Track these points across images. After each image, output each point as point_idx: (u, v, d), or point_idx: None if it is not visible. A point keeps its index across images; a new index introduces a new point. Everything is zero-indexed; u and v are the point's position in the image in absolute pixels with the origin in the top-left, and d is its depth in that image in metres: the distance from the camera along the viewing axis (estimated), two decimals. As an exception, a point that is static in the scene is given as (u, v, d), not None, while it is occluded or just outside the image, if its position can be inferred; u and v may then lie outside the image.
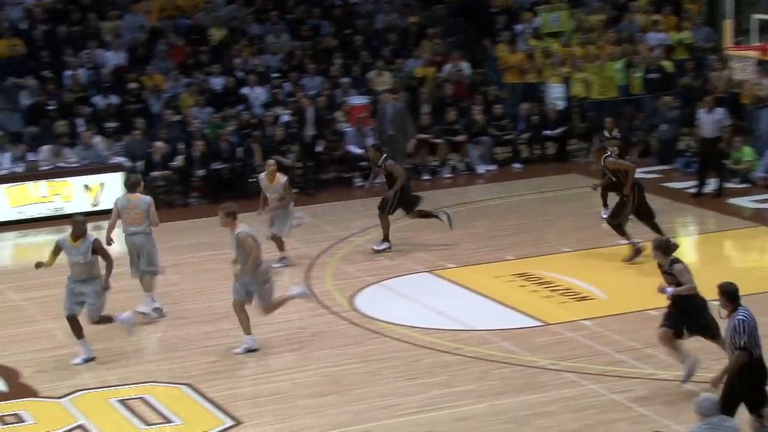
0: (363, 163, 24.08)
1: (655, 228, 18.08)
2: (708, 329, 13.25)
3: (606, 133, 21.84)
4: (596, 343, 15.23)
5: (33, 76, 25.07)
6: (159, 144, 23.60)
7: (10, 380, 14.79)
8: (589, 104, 26.60)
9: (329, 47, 27.52)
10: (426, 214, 19.92)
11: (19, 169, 23.02)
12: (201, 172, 23.78)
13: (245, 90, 25.82)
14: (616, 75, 26.76)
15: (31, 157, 23.37)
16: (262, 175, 18.97)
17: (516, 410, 13.34)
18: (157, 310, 16.80)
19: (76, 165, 23.31)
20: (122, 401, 14.04)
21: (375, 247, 19.58)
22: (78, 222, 14.97)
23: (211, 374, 14.81)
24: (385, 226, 19.57)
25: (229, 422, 13.41)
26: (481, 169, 25.33)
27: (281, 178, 18.72)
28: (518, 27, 28.33)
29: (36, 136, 24.05)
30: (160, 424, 13.46)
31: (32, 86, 24.89)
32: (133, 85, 25.34)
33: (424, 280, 18.32)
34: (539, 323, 16.25)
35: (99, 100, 25.09)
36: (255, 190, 23.78)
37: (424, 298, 17.46)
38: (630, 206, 18.23)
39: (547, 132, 25.88)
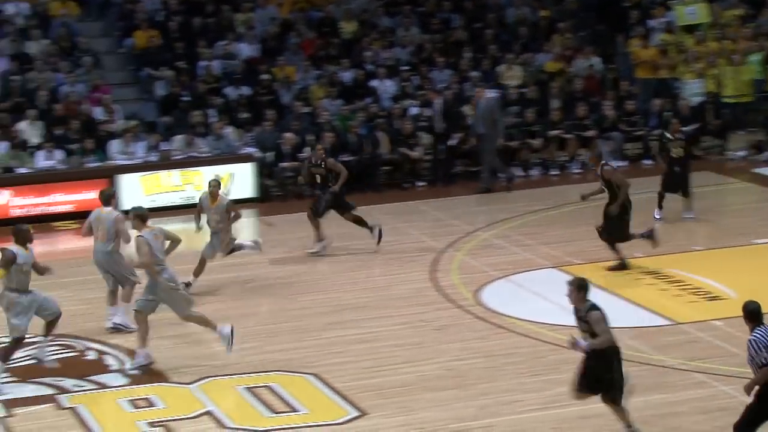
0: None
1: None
2: (609, 389, 11.98)
3: (669, 135, 21.29)
4: (727, 344, 14.96)
5: (168, 67, 25.45)
6: (289, 135, 23.82)
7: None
8: (722, 101, 26.15)
9: (459, 40, 27.48)
10: (359, 221, 19.68)
11: (153, 158, 23.41)
12: (330, 164, 23.89)
13: (374, 83, 25.92)
14: (752, 70, 26.23)
15: (164, 146, 23.77)
16: (203, 195, 17.96)
17: (642, 410, 13.16)
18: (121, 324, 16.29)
19: (207, 155, 23.64)
20: (249, 389, 14.20)
21: (309, 250, 19.53)
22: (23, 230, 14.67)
23: (336, 364, 14.90)
24: (317, 227, 19.50)
25: (354, 413, 13.48)
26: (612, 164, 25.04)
27: (223, 199, 17.79)
28: (651, 22, 27.97)
29: (169, 126, 24.44)
30: (286, 412, 13.59)
31: (167, 77, 25.28)
32: (264, 77, 25.60)
33: (550, 275, 18.19)
34: (668, 322, 16.06)
35: (231, 91, 25.39)
36: (383, 182, 24.06)
37: (550, 294, 17.32)
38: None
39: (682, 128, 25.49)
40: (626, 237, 17.94)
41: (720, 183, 23.40)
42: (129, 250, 15.86)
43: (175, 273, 14.99)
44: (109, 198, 16.37)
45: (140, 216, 15.01)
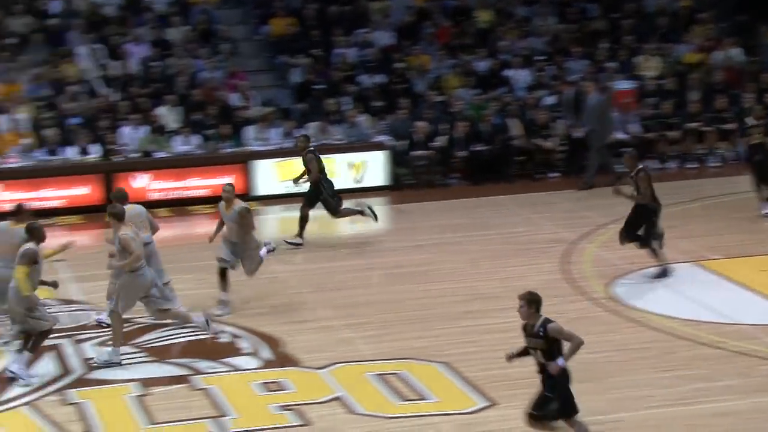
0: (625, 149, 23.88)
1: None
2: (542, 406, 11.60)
3: (752, 120, 20.78)
4: None
5: (303, 55, 25.68)
6: (421, 124, 23.87)
7: (275, 349, 15.24)
8: None
9: (596, 30, 27.26)
10: (350, 212, 19.74)
11: (288, 144, 23.66)
12: (462, 153, 23.94)
13: (509, 72, 25.84)
14: None
15: (299, 133, 23.98)
16: (220, 202, 16.86)
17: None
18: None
19: (341, 142, 23.81)
20: (379, 376, 14.28)
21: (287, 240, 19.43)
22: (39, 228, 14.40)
23: (467, 354, 14.91)
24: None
25: (484, 403, 13.48)
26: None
27: (237, 206, 16.51)
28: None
29: (304, 113, 24.67)
30: (415, 400, 13.64)
31: (303, 64, 25.52)
32: (399, 65, 25.69)
33: (687, 270, 17.97)
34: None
35: (365, 80, 25.53)
36: (515, 173, 23.99)
37: (686, 289, 17.14)
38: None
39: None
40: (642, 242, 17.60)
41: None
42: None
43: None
44: (17, 212, 15.67)
45: (116, 215, 14.74)
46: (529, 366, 14.47)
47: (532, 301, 11.57)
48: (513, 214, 20.48)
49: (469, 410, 13.37)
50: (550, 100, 25.22)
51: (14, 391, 13.90)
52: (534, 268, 18.06)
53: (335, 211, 19.51)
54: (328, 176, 19.91)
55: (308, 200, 19.59)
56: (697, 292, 16.99)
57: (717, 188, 22.69)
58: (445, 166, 24.11)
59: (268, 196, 23.02)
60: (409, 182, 23.83)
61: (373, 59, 26.02)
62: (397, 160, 23.70)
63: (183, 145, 23.55)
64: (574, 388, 13.74)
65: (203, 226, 21.44)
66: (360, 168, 23.29)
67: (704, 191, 22.44)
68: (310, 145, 20.01)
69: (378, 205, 22.10)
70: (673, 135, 24.71)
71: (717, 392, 13.50)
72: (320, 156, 19.94)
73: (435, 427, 12.98)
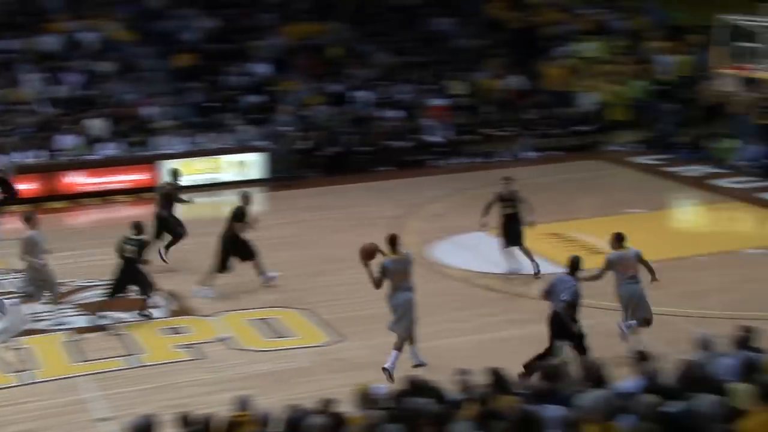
0: (439, 149, 24.01)
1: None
2: None
3: None
4: (609, 286, 14.92)
5: (201, 81, 25.17)
6: (290, 131, 23.52)
7: (179, 302, 14.97)
8: (611, 108, 26.11)
9: (419, 62, 27.24)
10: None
11: (188, 148, 23.12)
12: (321, 153, 23.71)
13: (355, 93, 25.60)
14: (635, 90, 26.19)
15: (198, 140, 23.54)
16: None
17: (543, 335, 13.11)
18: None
19: (231, 146, 23.35)
20: (255, 320, 14.14)
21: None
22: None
23: (322, 302, 14.84)
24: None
25: (336, 338, 13.43)
26: (531, 155, 24.98)
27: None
28: (559, 50, 27.80)
29: (202, 125, 24.15)
30: (281, 337, 13.53)
31: (200, 88, 25.03)
32: (274, 88, 25.27)
33: (480, 236, 17.98)
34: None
35: (249, 99, 25.07)
36: (361, 168, 23.75)
37: (481, 250, 17.27)
38: None
39: (579, 128, 25.43)
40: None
41: (605, 169, 23.36)
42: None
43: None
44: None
45: (27, 218, 13.82)
46: (373, 308, 14.50)
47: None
48: (356, 198, 20.33)
49: (323, 343, 13.31)
50: (385, 114, 25.08)
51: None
52: (368, 238, 17.85)
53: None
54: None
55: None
56: (489, 253, 17.14)
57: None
58: (309, 163, 23.86)
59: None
60: (282, 176, 23.49)
61: (253, 84, 25.64)
62: (273, 159, 23.38)
63: (108, 149, 22.92)
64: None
65: (124, 212, 20.94)
66: (245, 166, 22.96)
67: (495, 179, 22.11)
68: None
69: (258, 193, 21.91)
70: (473, 137, 24.84)
71: (501, 325, 13.69)
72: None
73: (294, 357, 12.90)
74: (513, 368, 10.35)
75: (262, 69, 26.19)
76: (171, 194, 16.52)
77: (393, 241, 12.32)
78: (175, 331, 13.81)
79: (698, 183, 21.71)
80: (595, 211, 19.22)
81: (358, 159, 23.67)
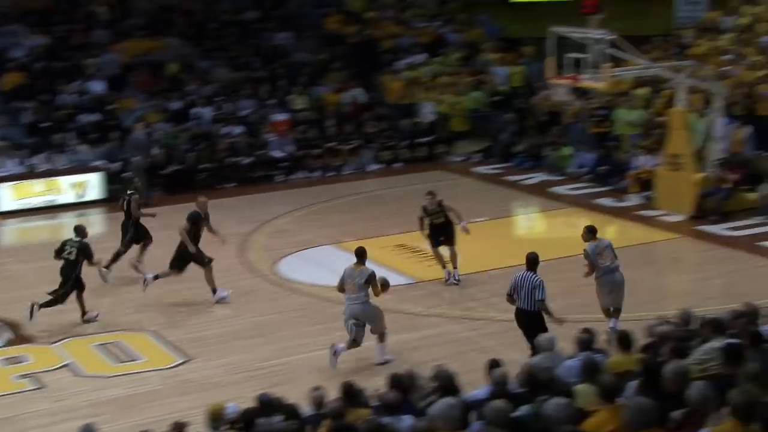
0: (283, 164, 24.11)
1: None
2: None
3: None
4: (455, 295, 15.28)
5: (32, 101, 24.36)
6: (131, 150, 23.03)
7: (15, 330, 14.44)
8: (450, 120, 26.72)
9: (259, 77, 27.16)
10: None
11: (20, 170, 22.38)
12: (163, 171, 23.28)
13: (195, 110, 25.28)
14: (473, 101, 26.82)
15: (30, 161, 22.78)
16: None
17: (395, 345, 13.35)
18: None
19: (66, 167, 22.71)
20: (100, 345, 13.79)
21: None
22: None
23: (170, 323, 14.60)
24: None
25: (183, 359, 13.24)
26: (372, 167, 25.23)
27: None
28: (398, 63, 28.16)
29: (35, 146, 23.31)
30: (129, 361, 13.25)
31: (32, 107, 24.22)
32: (110, 107, 24.69)
33: (329, 250, 18.19)
34: (413, 280, 16.25)
35: (84, 118, 24.45)
36: (204, 185, 23.53)
37: (329, 264, 17.32)
38: None
39: (420, 139, 25.89)
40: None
41: (448, 179, 23.84)
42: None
43: None
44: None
45: None
46: (218, 328, 14.38)
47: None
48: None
49: (172, 365, 13.10)
50: (226, 130, 24.89)
51: None
52: (214, 255, 17.77)
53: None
54: None
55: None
56: (336, 266, 17.20)
57: (349, 189, 23.13)
58: (150, 181, 23.37)
59: (4, 212, 21.63)
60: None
61: (89, 102, 25.01)
62: (111, 179, 22.82)
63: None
64: (249, 343, 13.71)
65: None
66: (82, 186, 22.34)
67: (340, 192, 22.83)
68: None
69: (97, 215, 21.41)
70: (317, 152, 24.91)
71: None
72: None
73: (145, 380, 12.65)
74: (367, 381, 10.43)
75: (97, 87, 25.58)
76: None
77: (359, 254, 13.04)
78: (15, 360, 13.31)
79: (537, 191, 22.42)
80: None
81: (201, 176, 23.39)
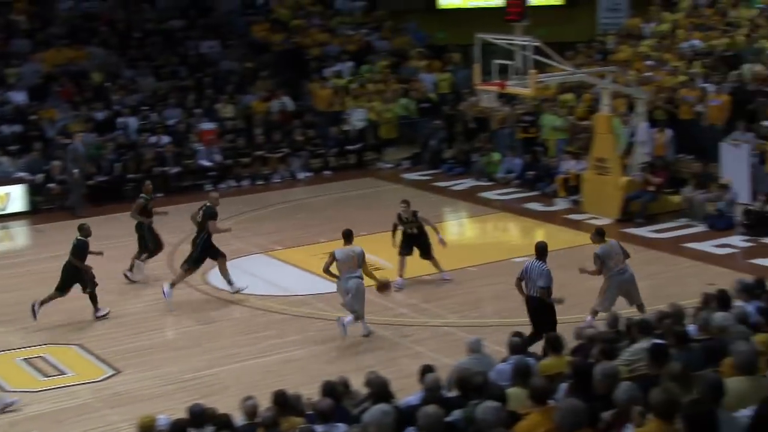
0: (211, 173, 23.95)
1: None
2: None
3: None
4: (386, 301, 15.29)
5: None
6: (55, 162, 22.65)
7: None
8: (379, 127, 26.82)
9: (185, 86, 26.92)
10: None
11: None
12: (90, 183, 22.94)
13: (121, 119, 24.94)
14: (401, 108, 26.98)
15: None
16: None
17: (329, 352, 13.34)
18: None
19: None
20: (26, 359, 13.52)
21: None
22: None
23: (98, 336, 14.38)
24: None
25: (112, 372, 13.05)
26: (301, 175, 25.17)
27: None
28: (326, 71, 28.13)
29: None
30: (56, 375, 13.01)
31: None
32: (33, 117, 24.24)
33: (259, 259, 18.14)
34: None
35: (5, 129, 24.00)
36: (132, 196, 23.26)
37: (260, 273, 17.29)
38: None
39: (350, 146, 25.90)
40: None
41: (378, 186, 23.90)
42: None
43: None
44: None
45: None
46: (146, 340, 14.21)
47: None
48: (128, 228, 19.69)
49: (101, 378, 12.91)
50: (153, 139, 24.61)
51: None
52: (146, 266, 17.60)
53: None
54: None
55: None
56: (267, 275, 17.18)
57: (279, 198, 23.05)
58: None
59: None
60: (46, 207, 22.59)
61: (10, 113, 24.53)
62: (34, 190, 22.43)
63: None
64: (179, 354, 13.56)
65: None
66: (4, 199, 21.92)
67: (270, 201, 22.74)
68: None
69: (20, 228, 21.03)
70: (245, 161, 24.78)
71: (285, 345, 13.72)
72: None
73: (74, 394, 12.44)
74: (301, 388, 10.39)
75: (18, 97, 25.12)
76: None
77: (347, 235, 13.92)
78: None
79: (467, 196, 22.57)
80: (372, 227, 19.51)
81: (128, 187, 23.09)
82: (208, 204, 16.04)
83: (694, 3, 26.01)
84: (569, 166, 21.53)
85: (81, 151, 22.35)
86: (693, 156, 21.16)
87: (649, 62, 23.37)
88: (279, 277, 16.92)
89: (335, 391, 9.36)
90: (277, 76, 28.41)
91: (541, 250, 12.61)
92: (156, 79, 26.95)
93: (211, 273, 17.28)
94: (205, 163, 24.36)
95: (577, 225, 19.51)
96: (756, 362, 7.33)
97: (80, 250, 14.84)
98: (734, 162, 19.72)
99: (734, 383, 7.11)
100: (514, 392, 8.24)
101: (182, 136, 24.76)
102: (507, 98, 23.80)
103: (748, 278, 11.57)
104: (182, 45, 28.28)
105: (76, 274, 14.83)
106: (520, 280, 12.61)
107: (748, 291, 10.82)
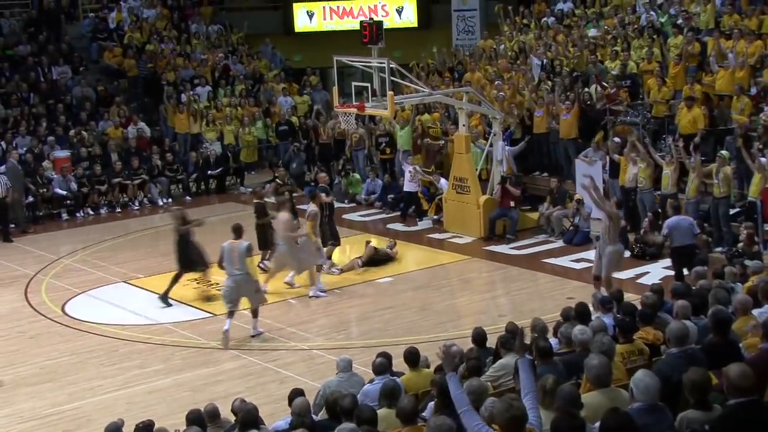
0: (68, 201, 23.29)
1: None
2: None
3: None
4: (250, 326, 15.14)
5: None
6: None
7: None
8: (237, 151, 26.67)
9: (37, 113, 26.11)
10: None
11: None
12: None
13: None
14: (258, 131, 26.94)
15: None
16: None
17: (194, 381, 13.12)
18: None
19: None
20: None
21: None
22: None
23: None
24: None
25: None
26: (160, 202, 24.74)
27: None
28: (183, 95, 27.79)
29: None
30: None
31: None
32: None
33: (120, 287, 17.72)
34: (209, 315, 16.01)
35: None
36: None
37: (121, 302, 16.89)
38: None
39: (210, 172, 25.62)
40: None
41: (239, 211, 23.71)
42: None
43: None
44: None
45: None
46: (3, 375, 13.67)
47: None
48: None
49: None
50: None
51: None
52: (2, 300, 16.97)
53: None
54: None
55: None
56: (128, 303, 16.80)
57: (138, 225, 22.60)
58: None
59: None
60: None
61: None
62: None
63: None
64: (38, 389, 13.10)
65: None
66: None
67: (129, 229, 22.27)
68: None
69: None
70: (103, 188, 24.14)
71: (149, 375, 13.43)
72: None
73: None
74: (167, 418, 10.18)
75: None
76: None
77: (236, 230, 14.67)
78: None
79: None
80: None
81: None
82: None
83: (542, 23, 26.80)
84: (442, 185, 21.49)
85: (18, 170, 22.10)
86: (547, 173, 21.79)
87: (500, 82, 23.73)
88: (141, 306, 16.57)
89: (202, 420, 9.22)
90: (133, 102, 27.93)
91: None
92: (4, 107, 26.08)
93: (71, 303, 16.83)
94: (61, 191, 23.66)
95: (439, 244, 19.77)
96: (609, 375, 7.55)
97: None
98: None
99: (590, 397, 7.33)
100: (383, 413, 8.28)
101: (35, 165, 23.97)
102: (364, 119, 24.03)
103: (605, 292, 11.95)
104: (33, 71, 27.44)
105: None
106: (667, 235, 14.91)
107: (605, 304, 11.18)
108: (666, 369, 7.75)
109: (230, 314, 14.40)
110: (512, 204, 19.85)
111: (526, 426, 6.19)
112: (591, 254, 18.33)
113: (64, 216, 23.44)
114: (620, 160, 19.23)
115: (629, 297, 12.50)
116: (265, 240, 17.64)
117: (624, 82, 21.86)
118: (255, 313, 14.68)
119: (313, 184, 24.88)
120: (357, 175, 24.05)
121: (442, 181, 20.75)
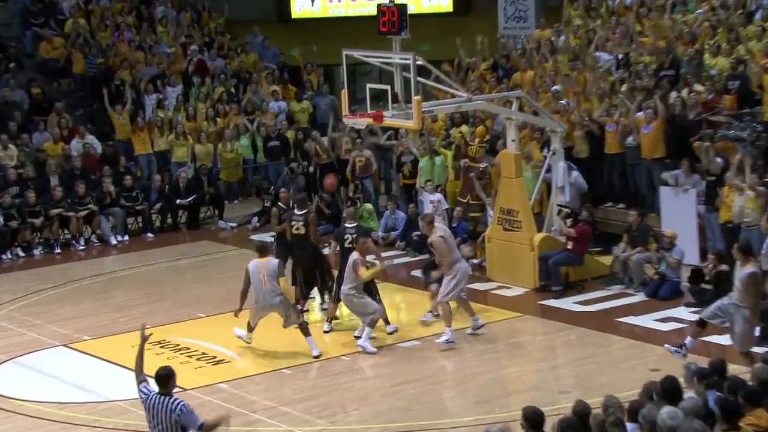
0: None
1: None
2: None
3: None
4: (234, 404, 15.14)
5: None
6: None
7: None
8: (216, 173, 26.81)
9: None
10: None
11: None
12: None
13: None
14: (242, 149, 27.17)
15: None
16: None
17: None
18: None
19: None
20: None
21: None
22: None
23: None
24: None
25: None
26: (114, 240, 24.83)
27: None
28: (146, 99, 28.01)
29: None
30: None
31: None
32: None
33: (59, 353, 17.73)
34: (178, 389, 15.95)
35: None
36: None
37: (59, 372, 16.89)
38: None
39: (179, 201, 25.71)
40: None
41: (218, 251, 23.72)
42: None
43: None
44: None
45: None
46: None
47: None
48: None
49: None
50: None
51: None
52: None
53: None
54: None
55: None
56: (69, 375, 16.80)
57: (85, 271, 22.66)
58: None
59: None
60: None
61: None
62: None
63: None
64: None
65: None
66: None
67: (73, 274, 22.33)
68: None
69: None
70: (37, 222, 24.23)
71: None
72: None
73: None
74: None
75: None
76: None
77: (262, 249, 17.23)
78: None
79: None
80: (213, 307, 19.32)
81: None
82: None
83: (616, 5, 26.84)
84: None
85: None
86: (624, 204, 21.64)
87: (555, 88, 23.65)
88: (87, 378, 16.59)
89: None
90: (79, 108, 28.11)
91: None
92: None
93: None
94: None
95: (482, 297, 19.64)
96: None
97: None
98: (677, 210, 20.23)
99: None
100: None
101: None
102: (378, 132, 24.10)
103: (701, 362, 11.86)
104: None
105: None
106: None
107: (703, 378, 11.08)
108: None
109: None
110: (569, 246, 19.51)
111: None
112: (681, 311, 18.29)
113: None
114: (722, 189, 19.13)
115: (735, 370, 12.43)
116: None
117: (731, 83, 21.73)
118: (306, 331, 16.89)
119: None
120: (369, 205, 23.92)
121: (490, 212, 20.73)
